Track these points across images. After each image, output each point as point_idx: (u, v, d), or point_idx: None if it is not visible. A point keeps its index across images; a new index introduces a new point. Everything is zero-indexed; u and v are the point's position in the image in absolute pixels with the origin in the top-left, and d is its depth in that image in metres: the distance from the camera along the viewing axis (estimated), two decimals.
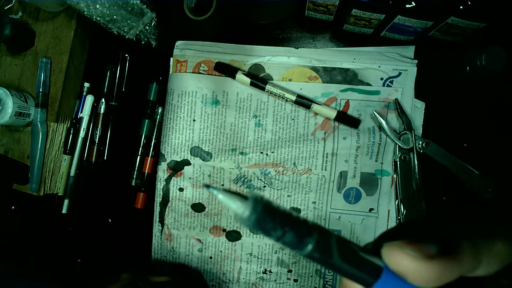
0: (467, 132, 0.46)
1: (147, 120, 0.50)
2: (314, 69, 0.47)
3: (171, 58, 0.49)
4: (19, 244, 0.54)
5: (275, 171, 0.47)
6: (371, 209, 0.46)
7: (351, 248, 0.16)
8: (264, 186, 0.48)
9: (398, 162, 0.45)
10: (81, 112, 0.50)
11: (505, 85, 0.45)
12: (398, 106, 0.45)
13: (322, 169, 0.47)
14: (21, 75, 0.51)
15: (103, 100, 0.50)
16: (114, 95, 0.51)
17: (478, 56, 0.40)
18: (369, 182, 0.46)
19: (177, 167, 0.49)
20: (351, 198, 0.46)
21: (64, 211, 0.51)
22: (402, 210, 0.44)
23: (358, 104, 0.46)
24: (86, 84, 0.51)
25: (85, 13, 0.44)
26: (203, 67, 0.49)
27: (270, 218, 0.15)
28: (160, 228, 0.50)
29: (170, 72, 0.49)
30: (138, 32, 0.48)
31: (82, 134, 0.50)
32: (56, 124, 0.50)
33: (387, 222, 0.46)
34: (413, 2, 0.38)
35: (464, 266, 0.15)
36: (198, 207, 0.49)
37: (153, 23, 0.48)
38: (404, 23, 0.41)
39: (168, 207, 0.49)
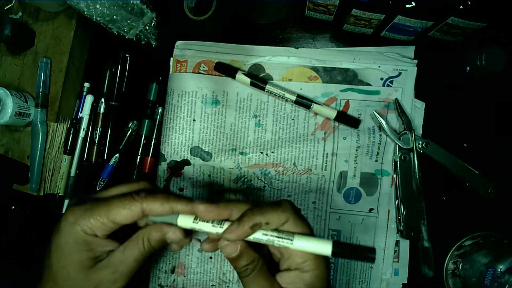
0: (467, 132, 0.46)
1: (147, 120, 0.50)
2: (314, 69, 0.47)
3: (171, 58, 0.49)
4: (19, 244, 0.54)
5: (275, 171, 0.47)
6: (371, 209, 0.46)
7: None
8: (264, 186, 0.48)
9: (398, 162, 0.45)
10: (81, 112, 0.50)
11: (505, 85, 0.45)
12: (398, 106, 0.45)
13: (322, 169, 0.47)
14: (21, 75, 0.51)
15: (103, 100, 0.50)
16: (114, 95, 0.51)
17: (478, 56, 0.40)
18: (369, 182, 0.46)
19: (177, 167, 0.49)
20: (351, 198, 0.46)
21: (64, 211, 0.51)
22: (402, 210, 0.44)
23: (358, 104, 0.46)
24: (86, 84, 0.51)
25: (85, 13, 0.45)
26: (203, 67, 0.49)
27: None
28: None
29: (170, 72, 0.49)
30: (138, 32, 0.48)
31: (82, 134, 0.50)
32: (56, 124, 0.50)
33: (387, 222, 0.46)
34: (413, 2, 0.38)
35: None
36: None
37: (153, 23, 0.48)
38: (404, 23, 0.41)
39: None
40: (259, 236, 0.28)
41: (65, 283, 0.29)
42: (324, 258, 0.29)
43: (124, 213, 0.29)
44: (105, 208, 0.29)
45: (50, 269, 0.30)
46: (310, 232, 0.29)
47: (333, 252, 0.27)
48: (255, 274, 0.29)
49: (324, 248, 0.27)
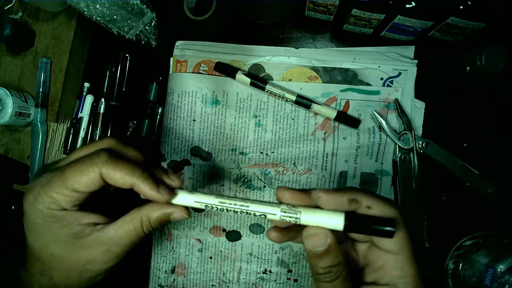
0: (467, 132, 0.46)
1: (147, 120, 0.50)
2: (314, 69, 0.47)
3: (171, 58, 0.49)
4: (19, 244, 0.54)
5: (275, 171, 0.47)
6: None
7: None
8: (264, 186, 0.48)
9: (398, 162, 0.45)
10: (81, 112, 0.50)
11: (505, 85, 0.45)
12: (398, 106, 0.45)
13: (322, 169, 0.47)
14: (21, 75, 0.51)
15: (102, 100, 0.50)
16: (114, 95, 0.51)
17: (478, 56, 0.40)
18: (369, 182, 0.46)
19: (177, 167, 0.49)
20: None
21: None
22: (402, 210, 0.44)
23: (358, 104, 0.46)
24: (86, 84, 0.51)
25: (85, 13, 0.45)
26: (203, 67, 0.49)
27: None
28: (160, 228, 0.50)
29: (170, 72, 0.49)
30: (138, 32, 0.48)
31: (82, 134, 0.50)
32: (56, 124, 0.50)
33: None
34: (413, 2, 0.38)
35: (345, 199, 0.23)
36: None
37: (153, 23, 0.48)
38: (404, 23, 0.41)
39: None
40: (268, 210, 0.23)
41: (52, 261, 0.27)
42: (422, 278, 0.25)
43: (82, 180, 0.25)
44: (60, 177, 0.25)
45: (31, 249, 0.28)
46: (411, 248, 0.24)
47: (345, 226, 0.22)
48: (340, 283, 0.23)
49: (335, 221, 0.22)
